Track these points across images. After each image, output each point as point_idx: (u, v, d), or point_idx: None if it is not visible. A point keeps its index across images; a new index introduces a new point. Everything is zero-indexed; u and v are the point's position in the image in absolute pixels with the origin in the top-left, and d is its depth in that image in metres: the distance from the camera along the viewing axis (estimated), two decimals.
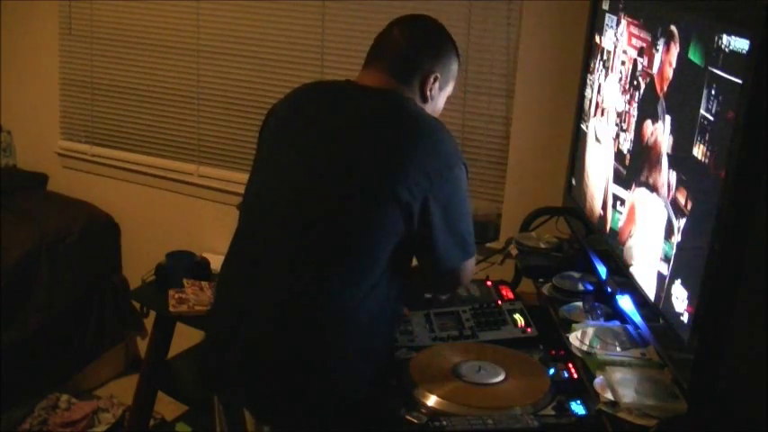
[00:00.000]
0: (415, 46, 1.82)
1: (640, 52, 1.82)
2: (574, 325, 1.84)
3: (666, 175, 1.61)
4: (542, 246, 2.30)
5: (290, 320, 1.68)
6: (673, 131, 1.60)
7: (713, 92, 1.41)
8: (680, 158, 1.55)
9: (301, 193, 1.71)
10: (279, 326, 1.68)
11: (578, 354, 1.73)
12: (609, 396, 1.54)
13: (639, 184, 1.78)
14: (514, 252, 2.31)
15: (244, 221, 1.83)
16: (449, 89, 1.90)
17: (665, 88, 1.66)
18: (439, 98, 1.87)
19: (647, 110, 1.77)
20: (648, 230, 1.70)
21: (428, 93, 1.82)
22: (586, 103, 2.26)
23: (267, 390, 1.71)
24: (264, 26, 3.11)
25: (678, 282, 1.52)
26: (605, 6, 2.13)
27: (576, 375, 1.73)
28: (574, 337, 1.78)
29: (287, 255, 1.69)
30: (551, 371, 1.75)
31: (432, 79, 1.81)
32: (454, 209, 1.69)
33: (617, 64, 2.01)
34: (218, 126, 3.28)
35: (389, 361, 1.81)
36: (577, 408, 1.61)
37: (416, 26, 1.87)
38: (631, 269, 1.78)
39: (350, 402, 1.70)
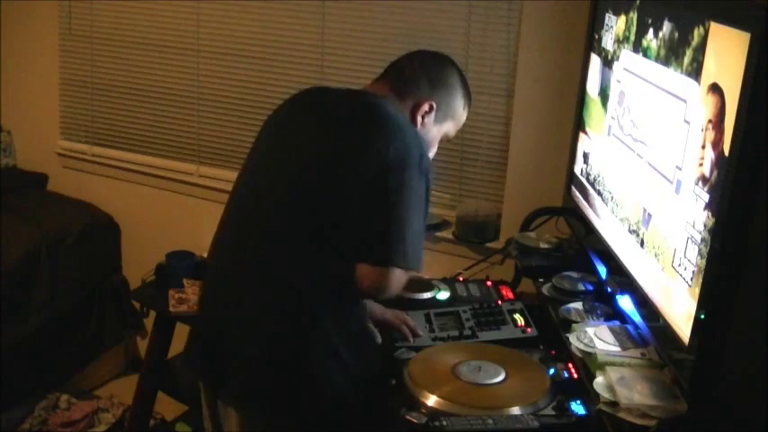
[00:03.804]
0: (419, 70, 1.85)
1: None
2: (574, 325, 1.84)
3: (668, 175, 1.61)
4: (542, 246, 2.30)
5: (266, 318, 1.70)
6: (672, 130, 1.60)
7: (713, 91, 1.41)
8: (680, 157, 1.55)
9: (252, 185, 1.79)
10: (255, 324, 1.71)
11: (578, 354, 1.73)
12: (609, 396, 1.54)
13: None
14: (514, 252, 2.30)
15: (224, 215, 1.87)
16: (446, 127, 1.90)
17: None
18: (432, 130, 1.86)
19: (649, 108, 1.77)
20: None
21: (418, 117, 1.83)
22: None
23: (252, 387, 1.73)
24: (264, 26, 3.11)
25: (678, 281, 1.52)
26: (605, 6, 2.13)
27: (576, 375, 1.73)
28: (574, 337, 1.78)
29: (257, 249, 1.73)
30: (551, 371, 1.75)
31: (426, 106, 1.83)
32: (402, 209, 1.65)
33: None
34: (218, 126, 3.28)
35: (388, 361, 1.81)
36: (577, 408, 1.61)
37: (430, 57, 1.91)
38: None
39: (338, 402, 1.72)
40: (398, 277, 1.68)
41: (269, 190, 1.76)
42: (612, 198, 1.98)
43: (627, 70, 1.93)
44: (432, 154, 1.93)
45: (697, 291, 1.41)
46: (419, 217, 1.68)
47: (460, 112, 1.91)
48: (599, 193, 2.08)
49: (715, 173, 1.38)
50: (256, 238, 1.74)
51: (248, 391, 1.73)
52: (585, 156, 2.25)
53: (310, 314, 1.69)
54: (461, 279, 2.30)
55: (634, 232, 1.78)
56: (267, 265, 1.71)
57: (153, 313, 2.94)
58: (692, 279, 1.45)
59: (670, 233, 1.57)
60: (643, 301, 1.69)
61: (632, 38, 1.88)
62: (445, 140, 1.95)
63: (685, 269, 1.48)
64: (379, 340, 1.87)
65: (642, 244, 1.72)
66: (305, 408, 1.71)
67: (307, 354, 1.69)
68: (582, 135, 2.29)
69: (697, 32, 1.49)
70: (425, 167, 1.69)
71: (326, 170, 1.69)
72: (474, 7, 2.73)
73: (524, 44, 2.64)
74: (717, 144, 1.38)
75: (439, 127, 1.88)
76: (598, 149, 2.15)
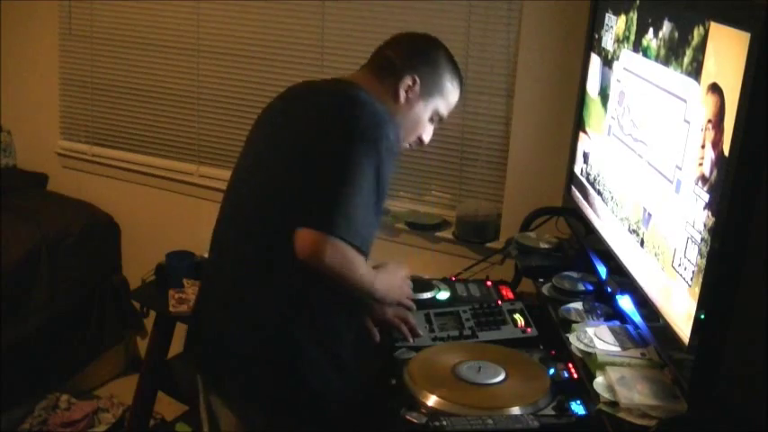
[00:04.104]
0: (398, 48, 1.85)
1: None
2: (574, 325, 1.84)
3: (668, 175, 1.61)
4: (542, 246, 2.30)
5: (266, 317, 1.71)
6: (672, 129, 1.60)
7: (713, 91, 1.41)
8: (680, 157, 1.55)
9: (243, 181, 1.82)
10: (255, 324, 1.72)
11: (578, 354, 1.73)
12: (609, 396, 1.54)
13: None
14: (514, 252, 2.30)
15: (221, 213, 1.89)
16: (435, 104, 1.86)
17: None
18: (417, 105, 1.83)
19: (652, 109, 1.77)
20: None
21: (401, 92, 1.80)
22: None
23: (251, 387, 1.74)
24: (264, 26, 3.12)
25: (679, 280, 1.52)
26: (605, 6, 2.13)
27: (576, 375, 1.73)
28: (574, 337, 1.78)
29: (257, 248, 1.74)
30: (551, 371, 1.75)
31: (408, 80, 1.80)
32: (345, 182, 1.61)
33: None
34: (218, 126, 3.29)
35: (388, 361, 1.81)
36: (577, 408, 1.61)
37: (411, 37, 1.90)
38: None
39: (337, 402, 1.72)
40: (336, 249, 1.60)
41: (264, 187, 1.75)
42: (612, 198, 1.98)
43: (627, 70, 1.93)
44: (427, 135, 1.90)
45: (697, 291, 1.41)
46: (365, 195, 1.63)
47: (449, 87, 1.86)
48: (599, 193, 2.08)
49: (715, 173, 1.38)
50: (256, 237, 1.74)
51: (248, 391, 1.73)
52: (585, 156, 2.25)
53: (310, 314, 1.69)
54: (461, 279, 2.30)
55: (634, 232, 1.78)
56: (267, 264, 1.71)
57: (153, 313, 2.94)
58: (691, 279, 1.45)
59: (670, 233, 1.57)
60: (643, 301, 1.69)
61: (632, 38, 1.88)
62: (437, 119, 1.90)
63: (685, 269, 1.48)
64: (378, 338, 1.87)
65: (642, 244, 1.72)
66: (304, 408, 1.71)
67: (306, 353, 1.69)
68: (582, 135, 2.29)
69: (697, 32, 1.49)
70: (378, 147, 1.64)
71: (304, 163, 1.69)
72: (474, 7, 2.73)
73: (524, 44, 2.64)
74: (716, 144, 1.38)
75: (425, 103, 1.84)
76: (598, 149, 2.15)
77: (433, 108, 1.86)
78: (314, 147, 1.67)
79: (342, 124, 1.66)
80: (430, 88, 1.83)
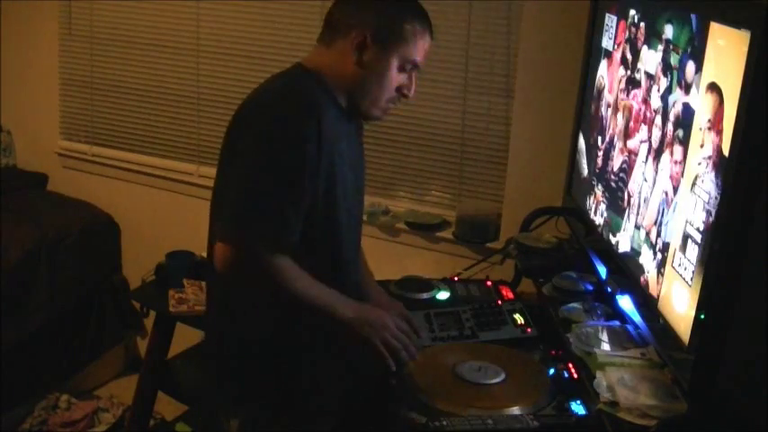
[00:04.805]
0: (343, 7, 1.68)
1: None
2: (574, 325, 1.84)
3: (668, 174, 1.61)
4: (542, 246, 2.30)
5: (263, 322, 1.71)
6: (673, 130, 1.60)
7: (712, 90, 1.41)
8: (680, 157, 1.55)
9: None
10: (250, 328, 1.72)
11: (578, 354, 1.73)
12: (609, 396, 1.54)
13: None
14: (514, 252, 2.30)
15: None
16: (401, 53, 1.65)
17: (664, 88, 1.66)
18: (377, 60, 1.64)
19: (651, 109, 1.77)
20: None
21: (353, 54, 1.63)
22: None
23: (249, 389, 1.74)
24: (264, 26, 3.12)
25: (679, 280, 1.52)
26: (605, 6, 2.13)
27: (576, 375, 1.72)
28: (574, 337, 1.78)
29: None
30: (551, 371, 1.75)
31: (357, 37, 1.62)
32: (234, 180, 1.59)
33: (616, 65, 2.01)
34: (218, 126, 3.28)
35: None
36: (577, 408, 1.61)
37: None
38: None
39: (337, 403, 1.73)
40: (247, 258, 1.55)
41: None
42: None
43: (627, 70, 1.93)
44: (409, 87, 1.71)
45: (697, 291, 1.41)
46: (269, 195, 1.55)
47: (408, 29, 1.65)
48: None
49: (715, 172, 1.38)
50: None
51: (247, 391, 1.73)
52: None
53: (307, 315, 1.68)
54: (461, 279, 2.30)
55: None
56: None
57: (153, 313, 2.94)
58: (691, 279, 1.45)
59: (670, 233, 1.57)
60: (643, 301, 1.69)
61: (633, 37, 1.88)
62: (411, 67, 1.69)
63: (685, 269, 1.48)
64: (394, 367, 1.85)
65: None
66: (303, 408, 1.71)
67: (305, 355, 1.69)
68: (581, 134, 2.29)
69: (697, 32, 1.49)
70: (271, 144, 1.55)
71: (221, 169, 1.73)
72: (474, 7, 2.73)
73: (524, 44, 2.64)
74: (716, 143, 1.38)
75: (385, 55, 1.65)
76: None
77: (398, 58, 1.66)
78: (225, 151, 1.68)
79: (243, 125, 1.63)
80: (385, 38, 1.64)
